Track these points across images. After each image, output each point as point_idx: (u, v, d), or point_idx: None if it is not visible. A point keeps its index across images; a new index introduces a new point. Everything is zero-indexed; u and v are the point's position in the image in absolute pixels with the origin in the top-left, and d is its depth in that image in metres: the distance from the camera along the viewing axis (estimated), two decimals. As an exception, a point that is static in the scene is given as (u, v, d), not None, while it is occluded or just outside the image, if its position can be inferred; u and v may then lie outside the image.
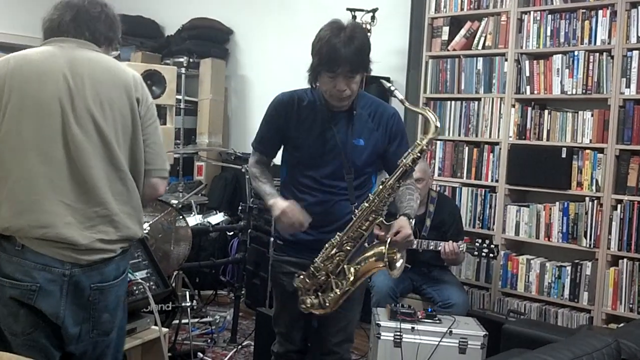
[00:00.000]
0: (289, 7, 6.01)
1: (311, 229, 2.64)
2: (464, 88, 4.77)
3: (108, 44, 2.37)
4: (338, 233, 2.56)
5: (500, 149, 4.55)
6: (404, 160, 2.47)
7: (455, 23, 4.84)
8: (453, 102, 4.81)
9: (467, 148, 4.73)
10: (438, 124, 2.48)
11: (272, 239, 2.80)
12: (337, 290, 2.56)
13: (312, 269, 2.60)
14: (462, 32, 4.78)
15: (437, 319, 3.65)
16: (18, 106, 2.13)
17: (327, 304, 2.58)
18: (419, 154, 2.45)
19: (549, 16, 4.36)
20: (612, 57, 4.08)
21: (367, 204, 2.52)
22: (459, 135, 4.77)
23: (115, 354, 2.38)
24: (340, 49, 2.47)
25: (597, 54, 4.15)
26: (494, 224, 4.57)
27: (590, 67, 4.17)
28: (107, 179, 2.18)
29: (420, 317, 3.64)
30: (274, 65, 6.17)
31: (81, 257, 2.14)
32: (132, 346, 2.98)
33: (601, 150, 4.12)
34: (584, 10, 4.21)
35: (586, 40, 4.21)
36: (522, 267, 4.44)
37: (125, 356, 2.93)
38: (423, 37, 4.96)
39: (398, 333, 3.55)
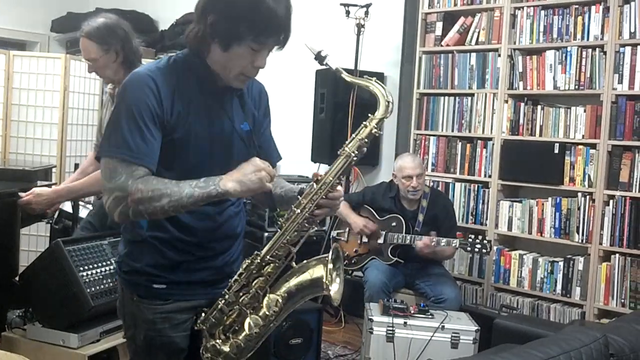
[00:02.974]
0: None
1: (207, 260, 1.96)
2: (457, 83, 4.77)
3: None
4: (256, 252, 1.91)
5: (493, 144, 4.55)
6: (347, 149, 1.88)
7: (449, 18, 4.84)
8: (446, 97, 4.82)
9: (460, 143, 4.74)
10: (390, 98, 1.90)
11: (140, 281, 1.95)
12: (256, 329, 1.91)
13: (220, 304, 1.92)
14: (456, 27, 4.78)
15: (429, 314, 3.66)
16: None
17: (242, 350, 1.94)
18: (366, 140, 1.88)
19: (542, 12, 4.36)
20: (605, 53, 4.08)
21: (298, 210, 1.87)
22: (452, 130, 4.78)
23: None
24: (278, 10, 1.80)
25: (590, 50, 4.16)
26: (486, 219, 4.58)
27: (583, 62, 4.18)
28: None
29: (412, 312, 3.65)
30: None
31: None
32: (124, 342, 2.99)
33: (593, 146, 4.13)
34: (576, 6, 4.22)
35: (579, 36, 4.22)
36: (514, 262, 4.45)
37: (116, 352, 2.95)
38: (416, 32, 4.96)
39: (390, 328, 3.56)
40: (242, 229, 2.07)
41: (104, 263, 2.99)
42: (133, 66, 2.91)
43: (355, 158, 1.87)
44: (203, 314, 1.95)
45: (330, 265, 1.92)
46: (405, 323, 3.58)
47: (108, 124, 1.84)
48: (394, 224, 4.25)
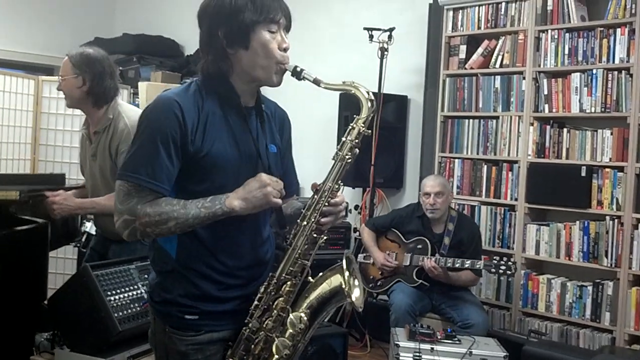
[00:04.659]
0: (308, 25, 6.04)
1: (238, 288, 1.93)
2: (481, 106, 4.76)
3: None
4: (271, 273, 1.90)
5: (519, 167, 4.53)
6: (340, 153, 1.90)
7: (473, 42, 4.84)
8: (471, 120, 4.81)
9: (485, 166, 4.72)
10: (372, 97, 1.90)
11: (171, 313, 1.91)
12: (286, 351, 1.88)
13: (245, 333, 1.89)
14: (480, 50, 4.78)
15: (456, 339, 3.63)
16: None
17: None
18: (356, 140, 1.90)
19: (567, 34, 4.35)
20: (631, 75, 4.05)
21: (304, 222, 1.88)
22: (477, 153, 4.76)
23: None
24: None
25: (616, 72, 4.13)
26: (513, 242, 4.54)
27: (609, 85, 4.15)
28: None
29: (439, 337, 3.62)
30: (293, 84, 6.19)
31: None
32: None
33: (621, 169, 4.09)
34: (602, 29, 4.20)
35: (604, 59, 4.19)
36: (542, 287, 4.40)
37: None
38: (440, 55, 4.96)
39: (417, 353, 3.53)
40: (271, 256, 2.04)
41: (132, 287, 3.00)
42: (98, 101, 3.08)
43: (349, 160, 1.90)
44: (230, 350, 1.91)
45: (346, 273, 1.90)
46: (432, 349, 3.54)
47: (130, 146, 1.87)
48: (419, 246, 4.24)
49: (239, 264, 1.92)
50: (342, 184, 1.92)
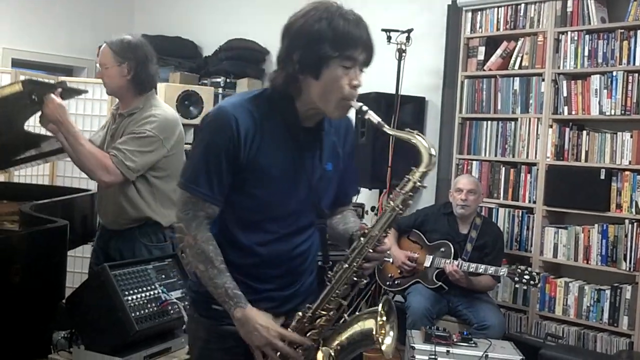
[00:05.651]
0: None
1: (267, 292, 1.95)
2: (500, 108, 4.74)
3: None
4: (308, 305, 1.91)
5: (537, 169, 4.50)
6: (392, 203, 1.88)
7: (491, 43, 4.82)
8: (489, 122, 4.78)
9: (503, 168, 4.69)
10: (433, 152, 1.86)
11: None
12: None
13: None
14: (498, 52, 4.76)
15: (472, 342, 3.62)
16: None
17: None
18: (410, 193, 1.87)
19: (587, 36, 4.31)
20: (652, 78, 4.02)
21: (346, 264, 1.88)
22: (495, 155, 4.74)
23: None
24: (359, 29, 1.84)
25: (636, 75, 4.09)
26: (531, 245, 4.51)
27: (629, 87, 4.12)
28: None
29: (455, 340, 3.61)
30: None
31: None
32: (168, 366, 3.01)
33: (641, 172, 4.05)
34: (622, 30, 4.16)
35: (625, 61, 4.16)
36: (560, 290, 4.37)
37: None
38: (459, 57, 4.95)
39: (433, 356, 3.52)
40: (308, 267, 2.04)
41: (149, 287, 3.01)
42: (142, 88, 3.01)
43: (400, 212, 1.88)
44: None
45: (384, 318, 1.90)
46: (448, 351, 3.54)
47: (189, 155, 1.94)
48: (442, 249, 4.24)
49: (273, 273, 1.96)
50: (390, 231, 1.93)
